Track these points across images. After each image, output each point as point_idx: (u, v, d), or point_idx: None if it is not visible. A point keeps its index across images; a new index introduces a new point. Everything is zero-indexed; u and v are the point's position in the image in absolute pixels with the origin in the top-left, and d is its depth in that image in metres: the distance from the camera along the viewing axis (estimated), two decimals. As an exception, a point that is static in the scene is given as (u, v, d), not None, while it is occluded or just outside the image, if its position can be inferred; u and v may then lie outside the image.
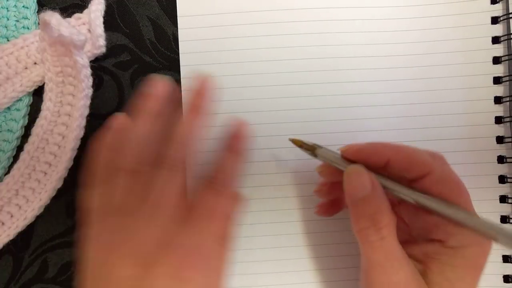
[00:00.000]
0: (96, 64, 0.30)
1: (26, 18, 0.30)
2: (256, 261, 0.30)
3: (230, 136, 0.25)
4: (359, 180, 0.23)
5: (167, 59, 0.31)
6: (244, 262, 0.29)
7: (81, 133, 0.29)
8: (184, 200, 0.23)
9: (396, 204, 0.25)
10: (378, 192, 0.22)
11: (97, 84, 0.30)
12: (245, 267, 0.29)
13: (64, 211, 0.30)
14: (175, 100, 0.27)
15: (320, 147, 0.25)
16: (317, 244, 0.30)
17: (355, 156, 0.24)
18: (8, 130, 0.29)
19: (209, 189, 0.23)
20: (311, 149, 0.25)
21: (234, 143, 0.25)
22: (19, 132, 0.29)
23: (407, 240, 0.24)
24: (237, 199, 0.24)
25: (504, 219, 0.30)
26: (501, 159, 0.30)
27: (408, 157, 0.23)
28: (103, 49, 0.30)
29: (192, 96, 0.25)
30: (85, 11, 0.30)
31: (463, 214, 0.22)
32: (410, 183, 0.23)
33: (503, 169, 0.30)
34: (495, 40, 0.30)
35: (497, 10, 0.30)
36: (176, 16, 0.31)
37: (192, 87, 0.25)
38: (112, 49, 0.31)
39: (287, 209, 0.30)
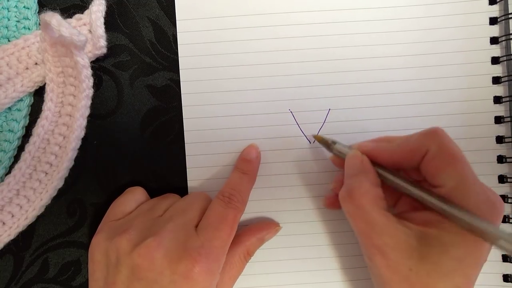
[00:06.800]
0: (96, 64, 0.30)
1: (27, 18, 0.30)
2: (257, 262, 0.30)
3: (240, 158, 0.30)
4: (352, 160, 0.26)
5: (167, 60, 0.31)
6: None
7: (82, 133, 0.29)
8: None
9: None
10: (364, 168, 0.25)
11: (97, 84, 0.30)
12: (246, 268, 0.29)
13: (65, 211, 0.30)
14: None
15: (335, 142, 0.28)
16: (321, 245, 0.31)
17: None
18: (10, 130, 0.29)
19: (219, 200, 0.27)
20: (328, 144, 0.28)
21: (243, 164, 0.29)
22: (20, 132, 0.30)
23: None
24: (241, 210, 0.27)
25: (504, 218, 0.30)
26: (500, 159, 0.30)
27: (401, 156, 0.25)
28: (104, 50, 0.30)
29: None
30: (86, 11, 0.30)
31: (462, 214, 0.22)
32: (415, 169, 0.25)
33: (502, 169, 0.30)
34: (494, 40, 0.31)
35: (495, 11, 0.31)
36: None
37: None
38: (111, 49, 0.31)
39: (290, 210, 0.31)
